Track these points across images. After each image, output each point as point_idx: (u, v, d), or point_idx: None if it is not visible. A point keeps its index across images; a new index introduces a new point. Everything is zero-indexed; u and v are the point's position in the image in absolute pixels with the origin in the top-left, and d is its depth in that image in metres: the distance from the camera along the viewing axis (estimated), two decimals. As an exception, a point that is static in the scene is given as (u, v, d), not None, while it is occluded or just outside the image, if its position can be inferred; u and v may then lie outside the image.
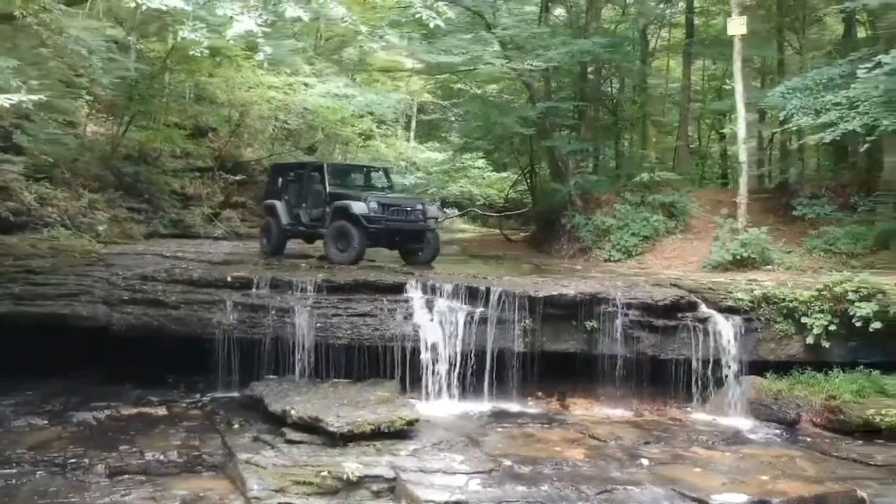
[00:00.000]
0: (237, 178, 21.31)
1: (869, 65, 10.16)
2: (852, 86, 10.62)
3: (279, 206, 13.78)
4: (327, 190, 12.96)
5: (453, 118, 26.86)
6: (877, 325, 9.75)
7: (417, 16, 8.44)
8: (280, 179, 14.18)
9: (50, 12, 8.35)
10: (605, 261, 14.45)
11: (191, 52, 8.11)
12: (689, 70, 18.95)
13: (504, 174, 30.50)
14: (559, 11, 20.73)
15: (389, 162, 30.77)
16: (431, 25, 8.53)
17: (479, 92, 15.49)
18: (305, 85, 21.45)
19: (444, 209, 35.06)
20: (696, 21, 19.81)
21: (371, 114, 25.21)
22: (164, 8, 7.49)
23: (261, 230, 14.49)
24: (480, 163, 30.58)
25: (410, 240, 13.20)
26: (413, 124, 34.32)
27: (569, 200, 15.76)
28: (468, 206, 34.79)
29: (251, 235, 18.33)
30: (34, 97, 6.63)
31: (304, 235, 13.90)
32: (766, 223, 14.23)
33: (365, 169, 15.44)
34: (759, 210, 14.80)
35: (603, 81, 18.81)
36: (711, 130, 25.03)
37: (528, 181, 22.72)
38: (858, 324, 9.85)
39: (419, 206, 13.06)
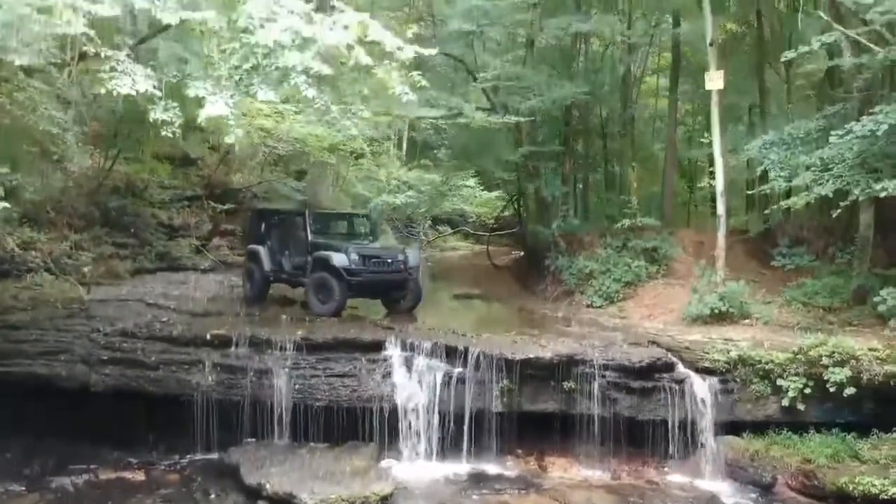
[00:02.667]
0: (226, 206, 21.26)
1: (841, 132, 10.20)
2: (826, 147, 10.64)
3: (262, 251, 13.81)
4: (309, 239, 12.97)
5: (444, 138, 26.92)
6: (850, 390, 9.79)
7: (392, 92, 8.49)
8: (263, 225, 14.20)
9: (24, 90, 8.37)
10: (588, 306, 14.47)
11: (163, 133, 8.13)
12: (675, 116, 18.97)
13: (494, 194, 30.52)
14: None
15: (380, 180, 30.79)
16: (404, 101, 8.56)
17: (466, 121, 15.47)
18: (295, 112, 21.41)
19: (437, 227, 35.23)
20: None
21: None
22: (135, 93, 7.53)
23: (244, 274, 14.48)
24: (472, 181, 30.60)
25: (392, 289, 13.23)
26: (405, 143, 34.30)
27: (553, 241, 15.80)
28: (460, 224, 34.87)
29: (240, 265, 18.18)
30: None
31: (286, 282, 13.92)
32: (748, 268, 14.28)
33: (347, 216, 15.50)
34: (742, 252, 14.84)
35: (590, 114, 18.83)
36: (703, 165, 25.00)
37: (517, 206, 22.76)
38: (833, 389, 9.88)
39: (400, 257, 13.08)
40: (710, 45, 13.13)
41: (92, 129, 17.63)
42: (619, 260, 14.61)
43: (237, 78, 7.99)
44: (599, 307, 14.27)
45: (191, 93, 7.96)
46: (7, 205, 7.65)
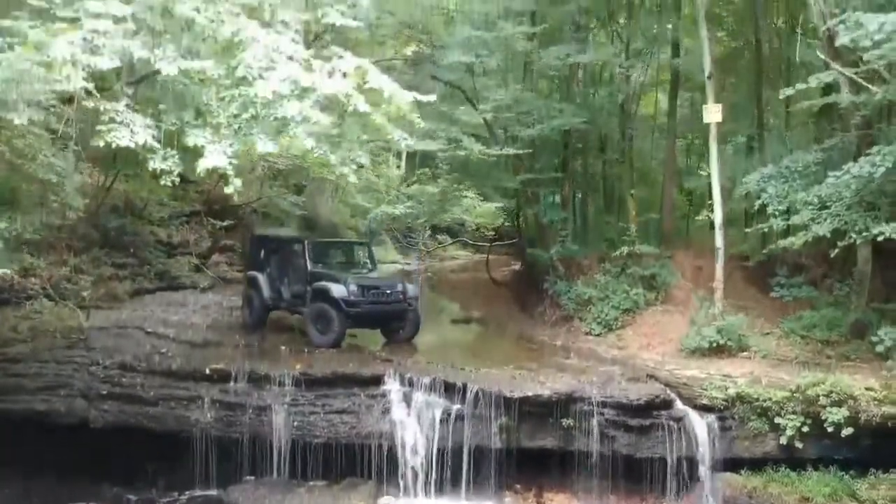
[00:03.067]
0: (225, 223, 21.21)
1: (838, 172, 10.23)
2: (824, 184, 10.66)
3: (261, 278, 13.81)
4: (308, 269, 12.97)
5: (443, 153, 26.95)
6: (848, 430, 9.82)
7: (389, 137, 8.52)
8: (262, 251, 14.21)
9: (24, 137, 8.38)
10: (586, 334, 14.40)
11: (162, 183, 8.17)
12: (674, 146, 18.99)
13: (494, 204, 30.50)
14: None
15: (380, 192, 30.79)
16: (403, 146, 8.58)
17: (465, 153, 15.48)
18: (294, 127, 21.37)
19: (436, 236, 35.26)
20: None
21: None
22: (133, 146, 7.55)
23: (243, 300, 14.48)
24: (471, 192, 30.59)
25: (391, 320, 13.24)
26: (404, 153, 34.27)
27: (551, 265, 15.80)
28: (460, 233, 34.89)
29: (239, 281, 18.07)
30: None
31: (285, 310, 13.92)
32: (747, 295, 14.27)
33: (346, 245, 15.53)
34: (741, 279, 14.83)
35: (589, 135, 18.81)
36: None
37: (516, 220, 22.77)
38: (830, 429, 9.92)
39: (399, 287, 13.11)
40: (708, 78, 13.12)
41: (92, 149, 17.62)
42: (617, 287, 14.59)
43: (236, 127, 7.99)
44: (598, 335, 14.25)
45: (190, 141, 7.98)
46: (7, 271, 7.67)
